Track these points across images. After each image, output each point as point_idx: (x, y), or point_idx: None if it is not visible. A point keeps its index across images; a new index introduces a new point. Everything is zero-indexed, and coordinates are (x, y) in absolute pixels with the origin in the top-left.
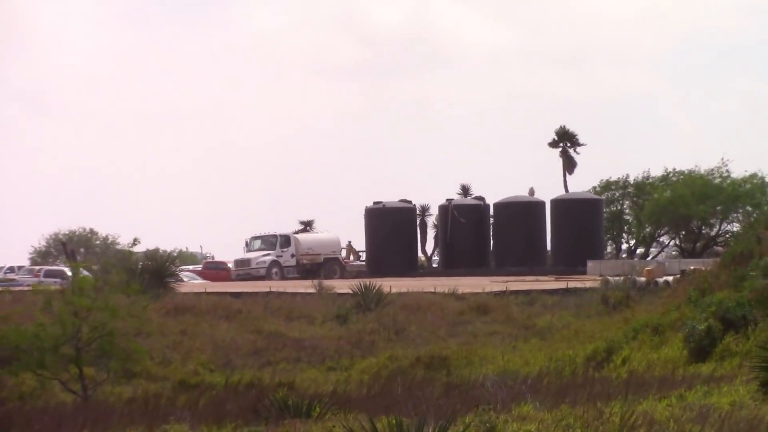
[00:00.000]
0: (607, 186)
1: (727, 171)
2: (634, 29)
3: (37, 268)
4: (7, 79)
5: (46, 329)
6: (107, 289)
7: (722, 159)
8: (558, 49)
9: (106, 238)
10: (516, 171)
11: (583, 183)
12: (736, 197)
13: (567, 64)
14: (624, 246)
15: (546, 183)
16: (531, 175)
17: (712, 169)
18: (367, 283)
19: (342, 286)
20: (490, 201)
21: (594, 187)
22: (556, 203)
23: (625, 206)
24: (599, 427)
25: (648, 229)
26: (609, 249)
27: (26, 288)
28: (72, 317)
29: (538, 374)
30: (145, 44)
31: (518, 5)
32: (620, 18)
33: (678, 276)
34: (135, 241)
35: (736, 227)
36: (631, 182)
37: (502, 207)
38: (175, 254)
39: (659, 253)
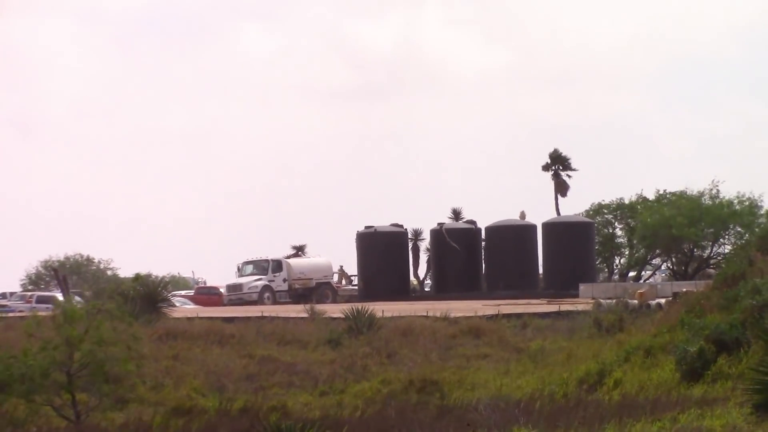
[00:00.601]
0: (599, 209)
1: (717, 191)
2: (627, 51)
3: (29, 294)
4: None
5: (35, 357)
6: (99, 317)
7: (713, 181)
8: (550, 72)
9: (98, 264)
10: (508, 195)
11: (575, 206)
12: (726, 219)
13: (559, 87)
14: (616, 269)
15: (538, 206)
16: (523, 199)
17: (703, 191)
18: (360, 308)
19: (334, 310)
20: (482, 225)
21: (587, 210)
22: (548, 227)
23: (617, 229)
24: None
25: (639, 253)
26: (602, 272)
27: (18, 314)
28: (63, 345)
29: (531, 397)
30: (136, 69)
31: (510, 28)
32: (613, 40)
33: (670, 298)
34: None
35: (727, 249)
36: (625, 204)
37: (494, 231)
38: (167, 279)
39: (652, 275)
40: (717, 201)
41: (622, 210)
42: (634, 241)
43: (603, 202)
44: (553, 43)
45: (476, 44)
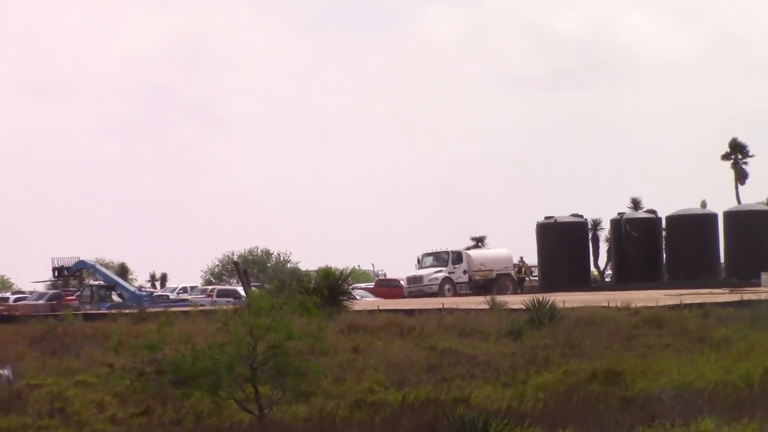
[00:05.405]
0: None
1: None
2: None
3: (210, 288)
4: (183, 97)
5: (223, 350)
6: (285, 309)
7: None
8: (742, 56)
9: (278, 256)
10: (688, 183)
11: (755, 194)
12: None
13: (749, 73)
14: None
15: (718, 195)
16: (703, 187)
17: None
18: (540, 298)
19: (515, 301)
20: (662, 214)
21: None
22: (729, 215)
23: None
24: None
25: None
26: None
27: (199, 308)
28: (248, 337)
29: (715, 388)
30: (322, 58)
31: (703, 10)
32: None
33: None
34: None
35: None
36: None
37: (674, 220)
38: (347, 272)
39: None
40: None
41: None
42: None
43: None
44: (746, 28)
45: (666, 29)
